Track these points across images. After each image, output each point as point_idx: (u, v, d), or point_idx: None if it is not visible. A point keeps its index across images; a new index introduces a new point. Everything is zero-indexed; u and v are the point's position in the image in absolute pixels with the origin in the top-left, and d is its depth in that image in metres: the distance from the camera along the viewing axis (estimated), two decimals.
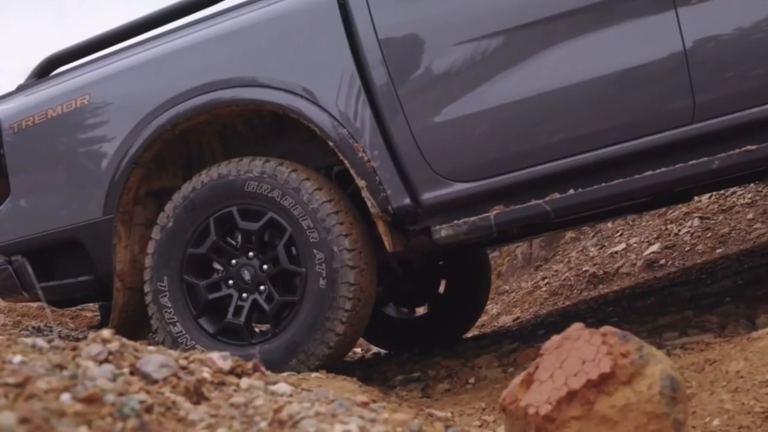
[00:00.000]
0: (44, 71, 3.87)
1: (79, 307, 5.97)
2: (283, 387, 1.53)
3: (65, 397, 1.15)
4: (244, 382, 1.52)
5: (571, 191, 2.88)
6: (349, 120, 3.10)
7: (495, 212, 2.96)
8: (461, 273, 4.90)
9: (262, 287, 3.18)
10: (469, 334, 5.10)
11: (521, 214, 2.95)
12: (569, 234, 7.13)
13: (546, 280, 6.86)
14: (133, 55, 3.56)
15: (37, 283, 3.64)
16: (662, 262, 5.81)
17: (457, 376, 3.40)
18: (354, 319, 3.11)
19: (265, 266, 3.18)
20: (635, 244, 6.35)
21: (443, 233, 3.04)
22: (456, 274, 4.90)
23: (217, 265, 3.30)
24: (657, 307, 4.06)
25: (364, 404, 1.51)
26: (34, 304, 5.96)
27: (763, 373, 2.05)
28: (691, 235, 5.86)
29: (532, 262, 7.59)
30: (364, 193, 3.08)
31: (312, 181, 3.12)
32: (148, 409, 1.23)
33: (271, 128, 3.51)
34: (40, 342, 1.45)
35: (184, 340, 3.22)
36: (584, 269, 6.44)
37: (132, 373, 1.39)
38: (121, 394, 1.23)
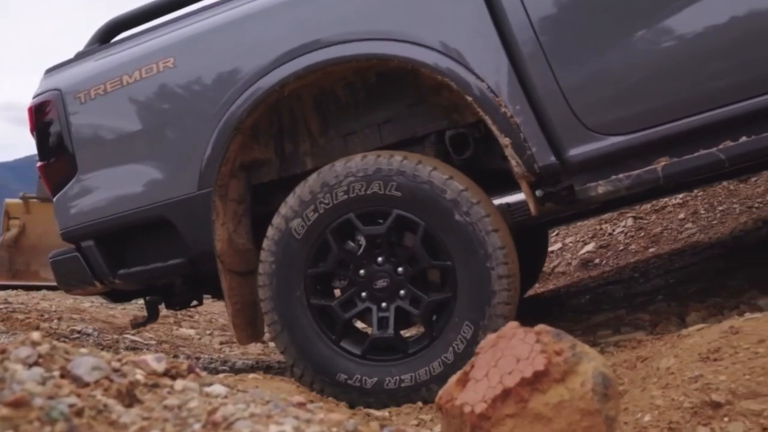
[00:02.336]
0: (107, 36, 3.52)
1: (10, 309, 5.84)
2: (218, 388, 1.51)
3: None
4: (179, 383, 1.50)
5: (744, 138, 2.61)
6: (487, 72, 2.81)
7: (662, 164, 2.69)
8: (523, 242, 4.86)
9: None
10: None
11: (692, 165, 2.67)
12: None
13: None
14: (223, 12, 3.23)
15: (110, 271, 3.34)
16: (597, 261, 5.91)
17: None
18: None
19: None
20: (571, 244, 6.45)
21: (600, 190, 2.76)
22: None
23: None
24: (591, 305, 4.13)
25: (301, 405, 1.50)
26: None
27: (692, 369, 2.10)
28: (625, 234, 5.97)
29: None
30: (508, 152, 2.81)
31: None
32: (78, 413, 1.20)
33: (373, 92, 3.21)
34: None
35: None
36: None
37: (62, 376, 1.36)
38: (50, 398, 1.20)
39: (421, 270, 2.92)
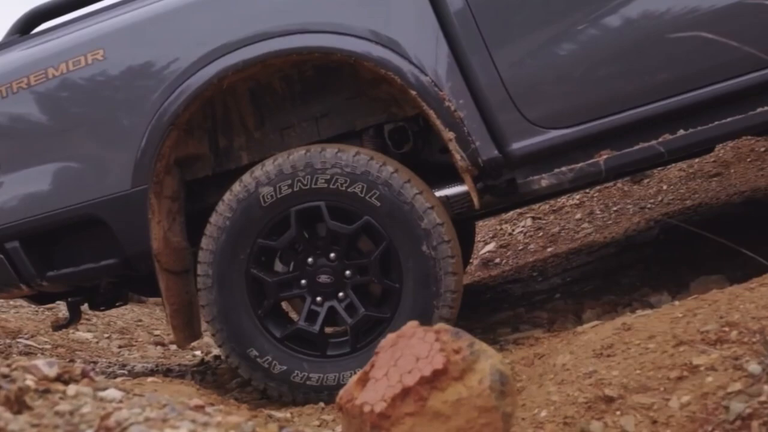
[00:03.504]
0: (28, 27, 3.31)
1: None
2: (113, 393, 1.48)
3: None
4: (71, 388, 1.46)
5: (682, 131, 2.71)
6: (429, 66, 2.81)
7: (605, 157, 2.76)
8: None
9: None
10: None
11: (633, 158, 2.77)
12: None
13: None
14: (156, 1, 3.08)
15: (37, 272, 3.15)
16: (497, 260, 6.00)
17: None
18: None
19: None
20: None
21: (543, 183, 2.81)
22: None
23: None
24: (492, 303, 4.20)
25: (199, 408, 1.48)
26: None
27: (586, 365, 2.16)
28: (524, 234, 6.09)
29: None
30: (452, 146, 2.80)
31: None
32: None
33: (310, 85, 3.14)
34: None
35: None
36: None
37: None
38: None
39: (368, 281, 2.92)
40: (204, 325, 3.20)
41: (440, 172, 3.10)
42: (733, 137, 2.92)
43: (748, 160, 5.35)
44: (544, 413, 2.06)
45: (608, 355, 2.18)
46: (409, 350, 1.61)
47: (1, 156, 3.19)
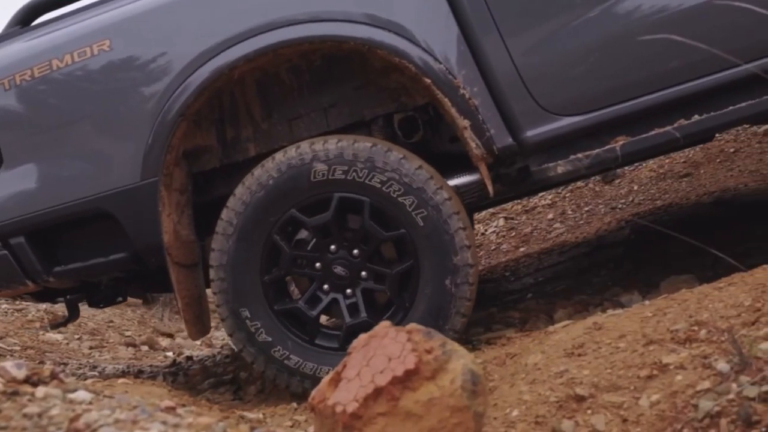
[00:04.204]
0: (29, 18, 3.27)
1: None
2: (82, 394, 1.47)
3: None
4: (40, 390, 1.45)
5: (696, 116, 2.73)
6: (444, 54, 2.80)
7: (621, 143, 2.77)
8: None
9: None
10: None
11: (650, 143, 2.78)
12: None
13: None
14: None
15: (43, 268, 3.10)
16: None
17: (267, 377, 3.37)
18: None
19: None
20: None
21: (560, 170, 2.83)
22: None
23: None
24: None
25: (170, 409, 1.47)
26: None
27: (558, 364, 2.17)
28: (497, 234, 6.11)
29: None
30: (467, 134, 2.79)
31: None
32: None
33: (319, 75, 3.11)
34: None
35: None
36: None
37: None
38: None
39: (381, 291, 2.90)
40: (214, 321, 3.20)
41: (450, 162, 3.09)
42: (747, 122, 2.95)
43: (718, 160, 5.41)
44: (515, 412, 2.07)
45: (579, 355, 2.20)
46: (382, 350, 1.61)
47: (6, 150, 3.14)
